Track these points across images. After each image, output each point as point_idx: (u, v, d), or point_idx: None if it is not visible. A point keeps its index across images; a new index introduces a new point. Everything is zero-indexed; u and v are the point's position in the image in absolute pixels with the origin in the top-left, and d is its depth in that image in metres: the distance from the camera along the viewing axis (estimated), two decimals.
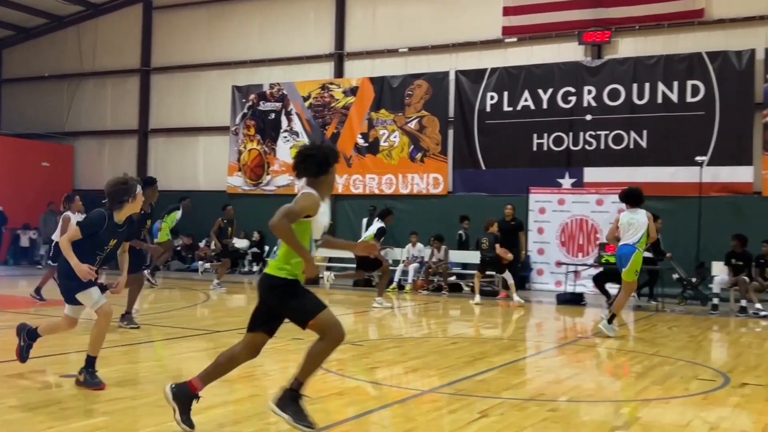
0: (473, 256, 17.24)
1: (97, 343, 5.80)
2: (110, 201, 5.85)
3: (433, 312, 13.45)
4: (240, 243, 19.91)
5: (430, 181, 19.41)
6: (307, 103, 21.06)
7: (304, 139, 21.01)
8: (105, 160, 24.35)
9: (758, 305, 13.27)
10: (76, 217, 11.88)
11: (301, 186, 4.80)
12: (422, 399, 5.85)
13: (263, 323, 4.69)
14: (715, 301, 13.72)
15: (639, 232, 9.82)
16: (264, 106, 21.61)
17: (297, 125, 21.18)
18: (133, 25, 23.78)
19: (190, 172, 22.58)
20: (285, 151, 21.20)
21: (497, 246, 14.52)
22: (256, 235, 20.29)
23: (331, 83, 20.79)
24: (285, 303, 4.60)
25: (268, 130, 21.55)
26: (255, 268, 20.33)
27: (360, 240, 13.78)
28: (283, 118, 21.37)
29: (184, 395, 4.65)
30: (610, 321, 9.94)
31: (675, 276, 14.83)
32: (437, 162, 19.35)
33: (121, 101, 24.07)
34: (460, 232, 17.71)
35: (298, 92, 21.20)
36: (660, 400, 6.08)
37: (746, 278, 13.55)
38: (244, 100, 21.89)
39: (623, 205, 16.67)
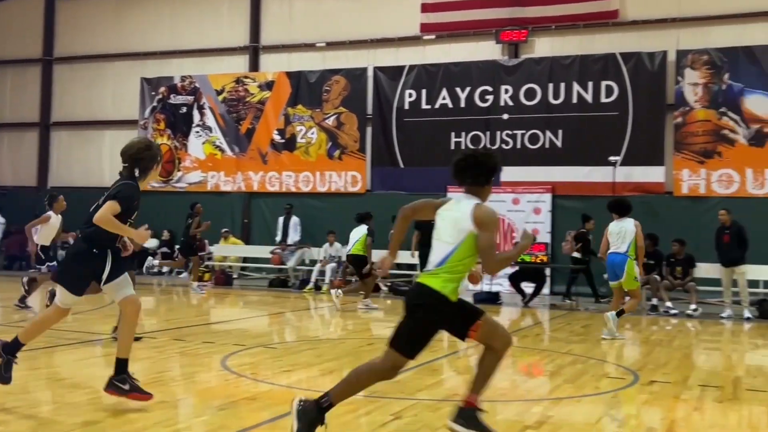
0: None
1: (129, 341, 5.47)
2: (135, 167, 5.49)
3: (350, 313, 13.49)
4: (149, 243, 19.46)
5: (348, 179, 19.45)
6: (220, 97, 20.79)
7: (217, 134, 20.75)
8: (3, 153, 23.44)
9: (668, 303, 13.86)
10: (57, 218, 11.36)
11: (459, 197, 4.70)
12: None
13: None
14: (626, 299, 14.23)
15: (627, 241, 10.17)
16: (175, 99, 21.22)
17: (210, 120, 20.89)
18: (35, 12, 22.97)
19: (95, 168, 21.93)
20: (197, 146, 20.89)
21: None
22: (166, 234, 19.89)
23: (246, 77, 20.59)
24: (444, 317, 4.50)
25: (179, 124, 21.17)
26: (165, 269, 19.93)
27: (353, 244, 13.59)
28: (195, 113, 21.03)
29: (312, 414, 4.37)
30: (619, 314, 10.18)
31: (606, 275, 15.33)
32: (355, 160, 19.41)
33: (21, 92, 23.22)
34: (392, 231, 17.73)
35: (211, 86, 20.90)
36: (571, 398, 6.29)
37: (657, 277, 14.12)
38: (153, 93, 21.44)
39: (539, 204, 17.25)
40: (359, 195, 19.17)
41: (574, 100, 17.39)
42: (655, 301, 14.01)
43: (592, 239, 15.46)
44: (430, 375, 7.05)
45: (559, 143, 17.50)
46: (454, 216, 4.59)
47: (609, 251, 10.36)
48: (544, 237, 16.79)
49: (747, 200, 15.46)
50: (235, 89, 20.63)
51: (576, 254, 15.32)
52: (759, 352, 9.82)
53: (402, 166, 18.91)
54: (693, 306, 13.80)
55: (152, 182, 20.74)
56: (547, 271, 16.60)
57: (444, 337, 10.60)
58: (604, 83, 17.13)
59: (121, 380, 5.32)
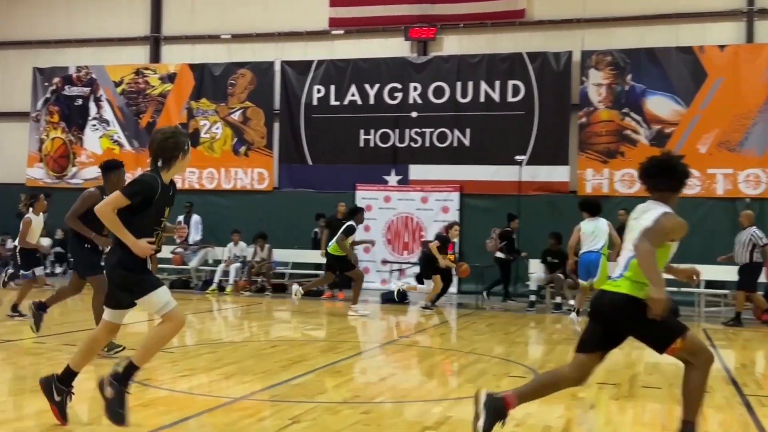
0: (303, 255, 17.35)
1: (153, 349, 4.93)
2: (159, 158, 5.06)
3: (255, 314, 13.40)
4: (43, 241, 18.78)
5: (255, 176, 19.29)
6: (119, 89, 20.26)
7: (115, 128, 20.23)
8: None
9: (572, 302, 14.29)
10: (38, 220, 10.87)
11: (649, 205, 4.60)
12: (233, 407, 5.84)
13: (602, 345, 4.54)
14: (532, 298, 14.66)
15: (602, 240, 10.51)
16: (70, 90, 20.55)
17: (107, 113, 20.32)
18: None
19: None
20: (93, 140, 20.32)
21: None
22: (59, 234, 19.23)
23: (147, 68, 20.13)
24: (641, 325, 4.39)
25: (74, 117, 20.51)
26: (58, 270, 19.29)
27: (332, 242, 13.08)
28: (92, 105, 20.42)
29: (497, 409, 4.50)
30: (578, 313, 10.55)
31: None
32: (262, 156, 19.26)
33: None
34: (316, 230, 17.50)
35: (109, 77, 20.34)
36: (471, 398, 6.43)
37: (561, 275, 14.58)
38: (46, 84, 20.70)
39: (447, 203, 17.51)
40: (266, 192, 19.04)
41: (482, 98, 17.74)
42: (558, 299, 14.44)
43: (516, 238, 15.87)
44: (332, 377, 7.09)
45: (467, 142, 17.81)
46: (641, 225, 4.58)
47: (583, 250, 10.66)
48: None
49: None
50: (135, 81, 20.14)
51: (499, 253, 15.63)
52: None
53: (310, 163, 18.87)
54: None
55: (45, 178, 20.07)
56: (454, 271, 16.92)
57: (347, 338, 10.68)
58: (510, 82, 17.54)
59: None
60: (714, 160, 16.14)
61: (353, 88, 18.59)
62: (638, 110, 16.73)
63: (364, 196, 18.10)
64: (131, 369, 4.81)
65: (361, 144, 18.44)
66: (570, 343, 10.26)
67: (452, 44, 18.34)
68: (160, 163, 5.08)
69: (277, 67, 19.19)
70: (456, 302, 15.74)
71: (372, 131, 18.45)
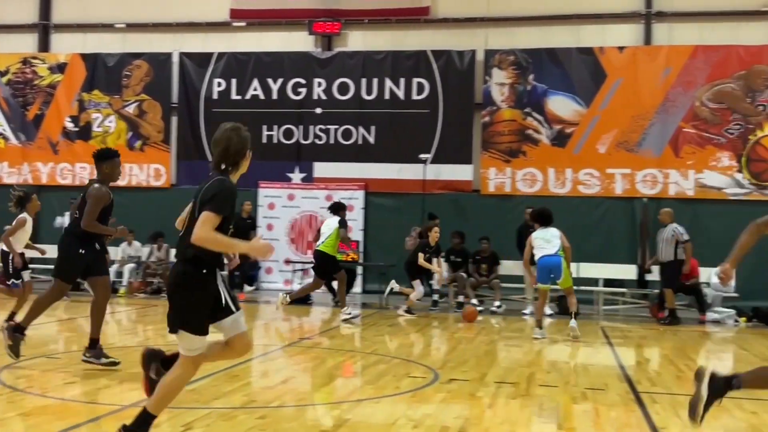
0: None
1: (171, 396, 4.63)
2: (228, 160, 4.71)
3: (150, 317, 13.09)
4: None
5: (151, 172, 18.87)
6: (4, 79, 19.47)
7: (0, 120, 19.43)
8: None
9: (474, 300, 14.60)
10: (30, 221, 9.96)
11: None
12: (122, 415, 5.69)
13: None
14: (435, 297, 14.86)
15: (557, 245, 10.90)
16: None
17: None
18: None
19: None
20: None
21: None
22: None
23: (35, 58, 19.41)
24: None
25: None
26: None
27: (323, 239, 12.69)
28: None
29: (719, 387, 4.73)
30: (540, 326, 10.95)
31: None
32: (159, 151, 18.86)
33: None
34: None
35: None
36: (370, 399, 6.49)
37: (464, 274, 14.84)
38: None
39: (352, 201, 17.49)
40: (163, 190, 18.64)
41: (387, 96, 17.86)
42: (461, 298, 14.69)
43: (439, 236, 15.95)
44: (228, 382, 7.01)
45: (372, 139, 17.90)
46: None
47: (541, 255, 10.98)
48: (357, 234, 17.13)
49: (549, 199, 16.55)
50: (22, 71, 19.37)
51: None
52: (555, 347, 10.58)
53: (210, 159, 18.51)
54: (497, 303, 14.66)
55: None
56: (359, 270, 17.02)
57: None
58: (415, 80, 17.72)
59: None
60: (613, 160, 16.75)
61: (255, 83, 18.41)
62: (540, 110, 17.19)
63: (267, 194, 17.95)
64: (146, 417, 4.57)
65: (264, 140, 18.27)
66: (469, 342, 10.47)
67: (357, 40, 18.40)
68: (224, 166, 4.74)
69: (176, 59, 18.81)
70: (360, 302, 15.80)
71: (275, 127, 18.32)
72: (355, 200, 17.66)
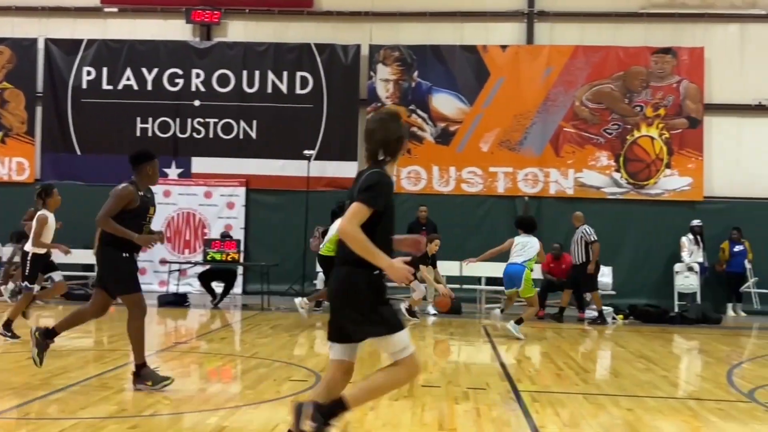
0: (73, 256, 16.35)
1: (376, 393, 4.47)
2: (387, 149, 4.39)
3: (20, 321, 12.49)
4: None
5: (13, 166, 18.11)
6: None
7: None
8: None
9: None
10: (53, 218, 9.41)
11: None
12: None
13: None
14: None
15: (530, 254, 11.31)
16: None
17: None
18: None
19: None
20: None
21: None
22: None
23: None
24: None
25: None
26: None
27: (323, 244, 12.25)
28: None
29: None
30: (518, 322, 11.31)
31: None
32: (22, 144, 18.09)
33: None
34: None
35: None
36: (249, 405, 6.43)
37: None
38: None
39: (233, 198, 17.35)
40: (27, 185, 17.84)
41: (269, 89, 17.73)
42: None
43: None
44: (98, 390, 6.79)
45: (253, 134, 17.73)
46: None
47: (508, 262, 11.44)
48: (238, 233, 16.93)
49: (433, 197, 16.88)
50: None
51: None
52: (438, 347, 10.78)
53: (79, 152, 17.94)
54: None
55: None
56: (240, 270, 16.80)
57: (118, 346, 10.29)
58: (299, 74, 17.67)
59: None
60: (495, 158, 17.21)
61: (128, 72, 17.91)
62: (424, 107, 17.47)
63: None
64: (338, 407, 4.34)
65: (138, 133, 17.81)
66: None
67: (238, 30, 18.17)
68: (382, 156, 4.43)
69: (41, 45, 18.08)
70: (240, 303, 15.62)
71: (150, 119, 17.88)
72: (236, 197, 17.46)
